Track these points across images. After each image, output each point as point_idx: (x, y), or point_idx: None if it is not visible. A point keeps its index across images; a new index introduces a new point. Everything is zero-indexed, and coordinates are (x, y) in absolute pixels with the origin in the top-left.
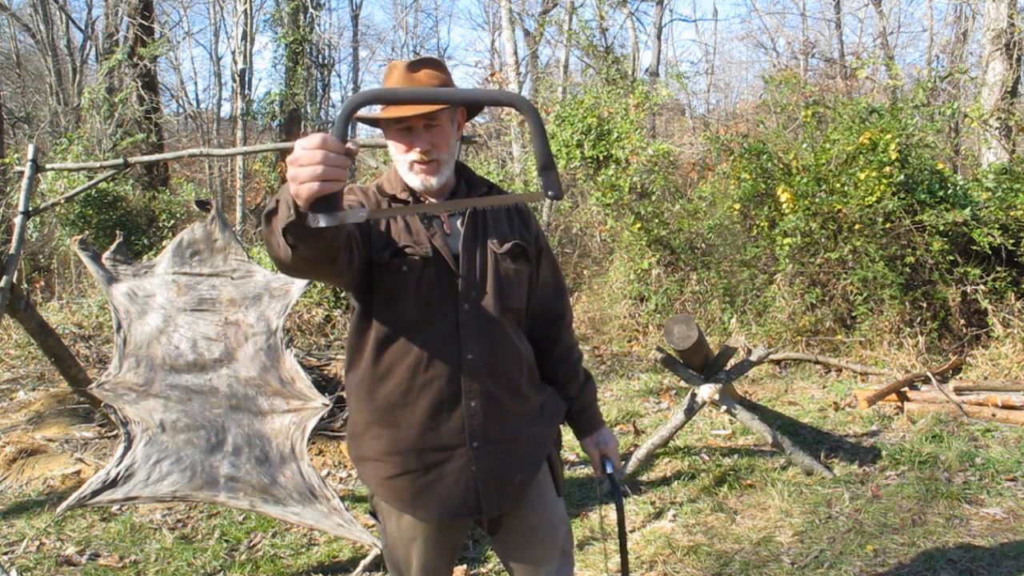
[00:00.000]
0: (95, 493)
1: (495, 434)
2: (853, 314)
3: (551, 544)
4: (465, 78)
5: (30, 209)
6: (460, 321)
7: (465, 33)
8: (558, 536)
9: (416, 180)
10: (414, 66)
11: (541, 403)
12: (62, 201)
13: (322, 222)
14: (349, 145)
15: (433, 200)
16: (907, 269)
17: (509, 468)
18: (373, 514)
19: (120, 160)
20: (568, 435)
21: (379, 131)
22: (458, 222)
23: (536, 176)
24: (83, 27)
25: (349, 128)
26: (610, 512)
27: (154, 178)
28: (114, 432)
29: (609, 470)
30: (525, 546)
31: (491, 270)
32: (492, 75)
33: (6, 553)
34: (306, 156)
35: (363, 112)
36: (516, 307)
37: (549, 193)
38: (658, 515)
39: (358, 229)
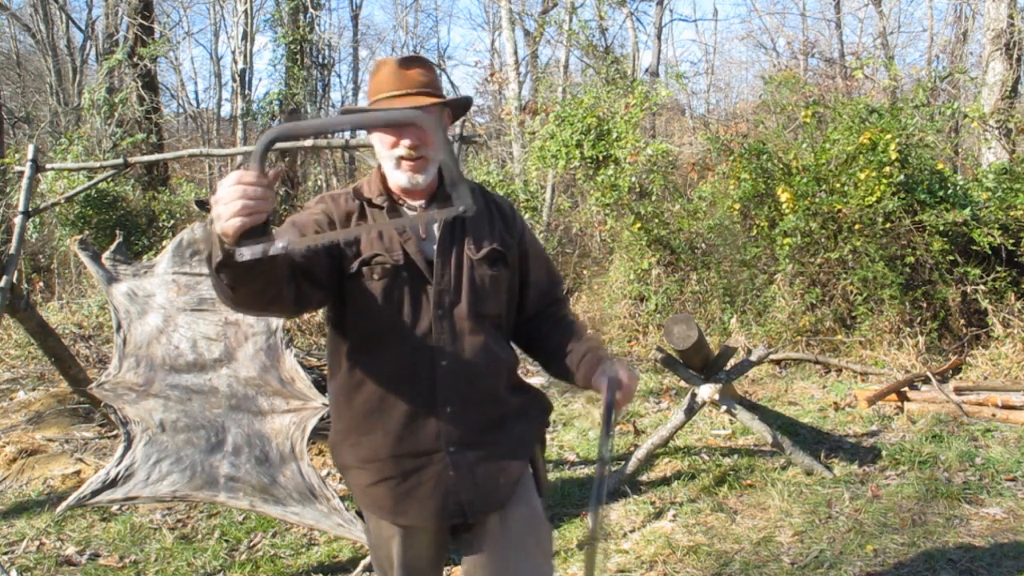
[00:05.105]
0: (95, 493)
1: (472, 439)
2: (853, 314)
3: (532, 544)
4: (465, 78)
5: (30, 209)
6: (434, 328)
7: (465, 33)
8: (539, 536)
9: (403, 178)
10: (406, 63)
11: (524, 404)
12: (62, 201)
13: (246, 255)
14: (268, 173)
15: (411, 203)
16: (907, 269)
17: (490, 471)
18: (359, 514)
19: (120, 160)
20: (568, 435)
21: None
22: (435, 226)
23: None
24: (83, 27)
25: (269, 160)
26: (610, 512)
27: (154, 178)
28: (114, 432)
29: (616, 395)
30: (507, 546)
31: (466, 276)
32: (492, 75)
33: (6, 553)
34: (226, 194)
35: (355, 106)
36: (493, 313)
37: (461, 209)
38: (658, 515)
39: (324, 248)
